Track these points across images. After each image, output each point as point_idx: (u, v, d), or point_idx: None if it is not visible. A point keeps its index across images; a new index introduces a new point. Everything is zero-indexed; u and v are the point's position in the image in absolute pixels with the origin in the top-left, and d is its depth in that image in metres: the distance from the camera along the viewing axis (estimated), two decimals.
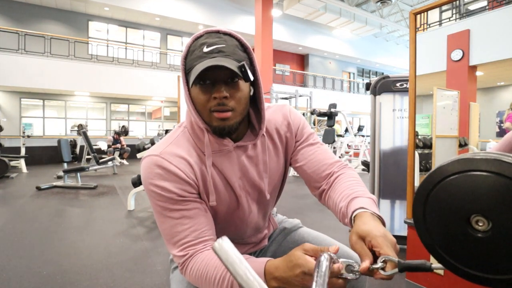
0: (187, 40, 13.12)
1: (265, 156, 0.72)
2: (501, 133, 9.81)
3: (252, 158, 0.71)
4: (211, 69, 0.56)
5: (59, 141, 5.07)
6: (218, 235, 0.71)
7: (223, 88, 0.59)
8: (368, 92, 2.41)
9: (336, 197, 0.66)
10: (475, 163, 0.46)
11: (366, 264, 0.46)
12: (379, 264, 0.46)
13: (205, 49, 0.59)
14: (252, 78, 0.60)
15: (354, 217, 0.56)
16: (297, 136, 0.77)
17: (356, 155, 8.68)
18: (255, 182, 0.72)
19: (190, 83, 0.59)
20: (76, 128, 9.25)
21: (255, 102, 0.71)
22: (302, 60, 15.75)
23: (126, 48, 10.88)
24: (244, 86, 0.63)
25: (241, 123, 0.66)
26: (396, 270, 0.45)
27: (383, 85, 2.32)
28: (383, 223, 0.55)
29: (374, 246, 0.48)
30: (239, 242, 0.81)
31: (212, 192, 0.67)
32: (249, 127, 0.71)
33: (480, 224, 0.45)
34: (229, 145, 0.66)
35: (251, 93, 0.68)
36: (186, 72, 0.62)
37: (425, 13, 5.00)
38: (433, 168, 0.51)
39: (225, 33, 0.63)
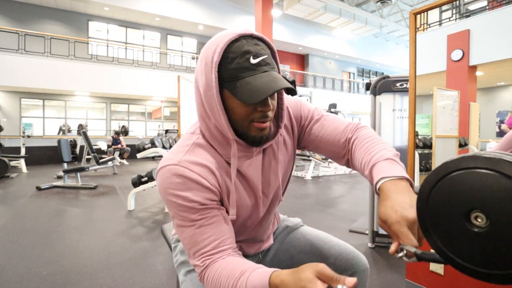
0: (187, 40, 13.15)
1: (281, 155, 0.73)
2: (501, 133, 9.80)
3: (269, 158, 0.72)
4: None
5: (59, 141, 5.07)
6: (235, 237, 0.72)
7: (270, 101, 0.59)
8: (368, 92, 2.41)
9: (359, 166, 0.65)
10: (479, 161, 0.47)
11: (392, 248, 0.47)
12: (400, 254, 0.46)
13: (252, 60, 0.56)
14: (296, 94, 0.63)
15: (379, 190, 0.55)
16: (301, 119, 0.76)
17: None
18: (271, 182, 0.73)
19: (241, 97, 0.56)
20: (63, 128, 9.37)
21: None
22: (302, 60, 15.75)
23: (126, 48, 10.88)
24: (275, 94, 0.64)
25: None
26: (415, 259, 0.47)
27: (383, 85, 2.32)
28: (410, 182, 0.54)
29: (393, 235, 0.48)
30: (250, 241, 0.82)
31: (234, 205, 0.65)
32: None
33: (479, 220, 0.46)
34: (253, 151, 0.66)
35: None
36: (224, 79, 0.57)
37: (425, 13, 5.00)
38: (439, 163, 0.53)
39: (259, 38, 0.60)
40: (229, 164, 0.65)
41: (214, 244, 0.60)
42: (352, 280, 0.44)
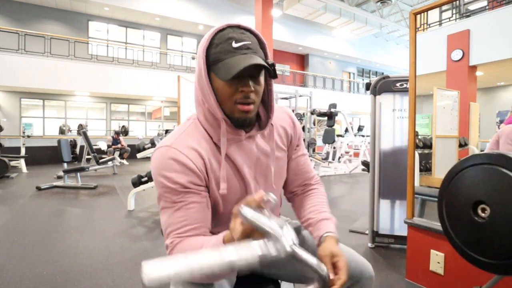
0: (187, 40, 13.18)
1: (272, 144, 0.76)
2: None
3: (261, 147, 0.75)
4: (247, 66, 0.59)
5: (59, 141, 5.07)
6: (224, 226, 0.73)
7: (251, 83, 0.62)
8: (368, 92, 2.41)
9: (307, 207, 0.80)
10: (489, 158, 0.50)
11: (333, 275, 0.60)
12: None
13: (234, 44, 0.61)
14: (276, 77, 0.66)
15: (326, 236, 0.69)
16: (298, 140, 0.84)
17: (356, 155, 8.66)
18: (263, 170, 0.75)
19: (221, 75, 0.61)
20: (63, 128, 9.35)
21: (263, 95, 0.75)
22: (302, 60, 15.74)
23: (126, 48, 10.87)
24: (263, 81, 0.67)
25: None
26: None
27: (383, 85, 2.32)
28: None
29: (338, 267, 0.61)
30: None
31: (224, 179, 0.68)
32: (256, 120, 0.74)
33: (486, 212, 0.49)
34: (242, 135, 0.69)
35: None
36: (210, 63, 0.63)
37: (425, 13, 5.00)
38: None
39: (246, 29, 0.65)
40: (218, 148, 0.69)
41: (187, 228, 0.63)
42: (259, 195, 0.50)
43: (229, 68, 0.59)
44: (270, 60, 0.65)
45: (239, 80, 0.62)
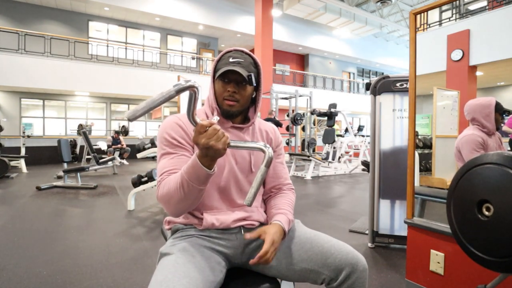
0: (187, 40, 13.30)
1: (253, 138, 0.98)
2: (501, 133, 9.75)
3: (243, 137, 0.96)
4: (230, 72, 0.86)
5: (59, 141, 5.07)
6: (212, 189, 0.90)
7: (234, 86, 0.88)
8: (368, 92, 2.41)
9: (272, 205, 0.98)
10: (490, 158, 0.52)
11: (255, 260, 0.78)
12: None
13: (230, 60, 0.88)
14: (254, 84, 0.90)
15: (272, 223, 0.87)
16: (278, 147, 1.04)
17: (356, 155, 8.67)
18: (243, 154, 0.94)
19: (217, 77, 0.88)
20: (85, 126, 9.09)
21: (255, 103, 0.98)
22: (302, 60, 15.74)
23: (126, 48, 10.87)
24: (249, 89, 0.90)
25: (241, 113, 0.94)
26: None
27: (383, 85, 2.32)
28: (284, 234, 0.86)
29: (264, 240, 0.80)
30: (225, 200, 0.92)
31: None
32: (245, 121, 0.98)
33: (490, 211, 0.50)
34: (228, 123, 0.93)
35: (253, 96, 0.96)
36: (215, 71, 0.90)
37: (425, 13, 5.00)
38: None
39: (246, 53, 0.92)
40: None
41: (174, 170, 0.82)
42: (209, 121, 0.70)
43: (220, 71, 0.86)
44: (253, 73, 0.87)
45: (228, 84, 0.87)
